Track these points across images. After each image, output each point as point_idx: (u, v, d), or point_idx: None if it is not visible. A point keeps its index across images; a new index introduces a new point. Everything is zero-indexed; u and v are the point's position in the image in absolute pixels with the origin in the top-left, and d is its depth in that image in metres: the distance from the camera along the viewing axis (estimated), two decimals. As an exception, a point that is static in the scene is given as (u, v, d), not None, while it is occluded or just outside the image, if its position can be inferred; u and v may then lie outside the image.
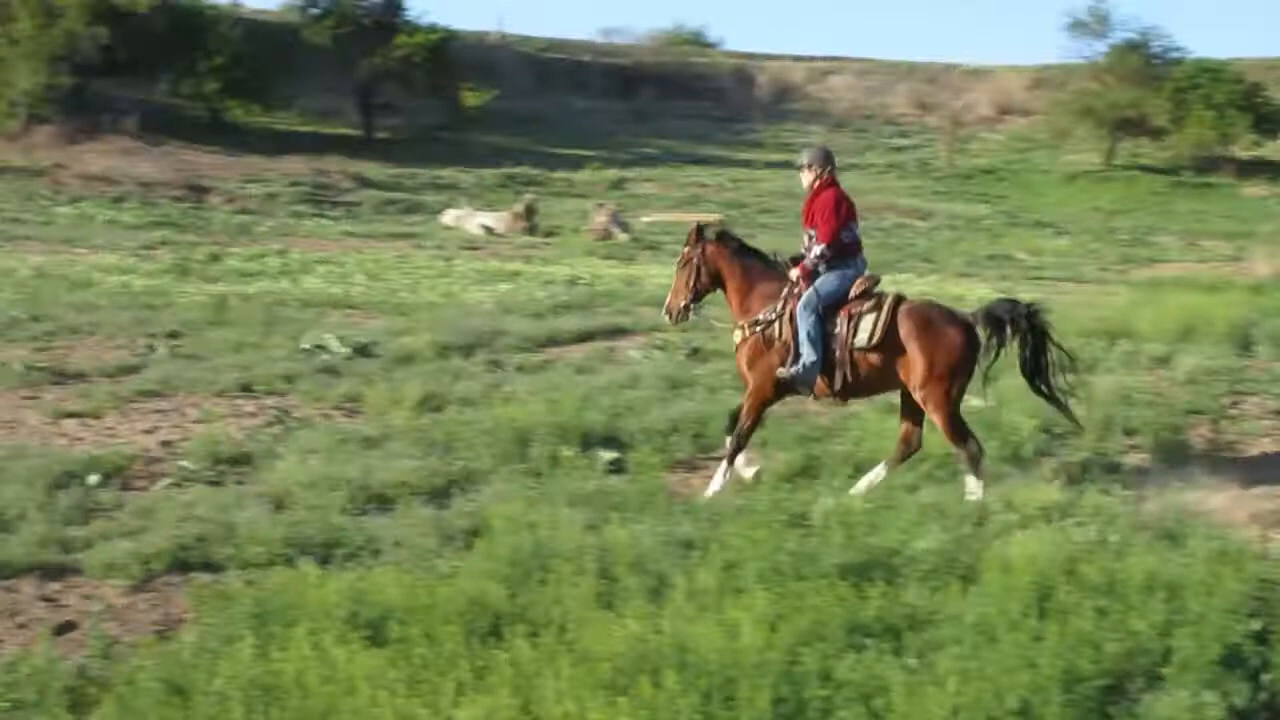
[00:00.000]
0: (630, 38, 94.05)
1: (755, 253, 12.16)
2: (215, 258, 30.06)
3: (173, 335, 18.96)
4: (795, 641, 7.33)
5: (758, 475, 11.84)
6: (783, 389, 11.80)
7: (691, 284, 12.00)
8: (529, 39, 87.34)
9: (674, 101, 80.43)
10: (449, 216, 45.10)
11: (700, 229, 12.18)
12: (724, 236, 12.22)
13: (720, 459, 12.19)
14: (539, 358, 18.23)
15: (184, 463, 12.27)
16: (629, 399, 15.00)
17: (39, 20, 57.37)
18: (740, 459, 11.91)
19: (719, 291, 12.24)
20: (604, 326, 20.92)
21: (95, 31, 58.99)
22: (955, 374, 11.43)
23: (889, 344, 11.40)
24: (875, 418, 13.66)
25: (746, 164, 66.76)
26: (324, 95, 70.10)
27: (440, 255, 34.03)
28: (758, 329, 11.74)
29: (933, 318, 11.56)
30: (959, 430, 11.48)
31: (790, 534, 9.26)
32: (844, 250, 11.76)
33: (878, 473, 11.62)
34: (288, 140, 63.42)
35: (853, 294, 11.64)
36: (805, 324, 11.49)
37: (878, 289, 11.77)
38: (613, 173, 60.73)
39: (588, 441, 13.01)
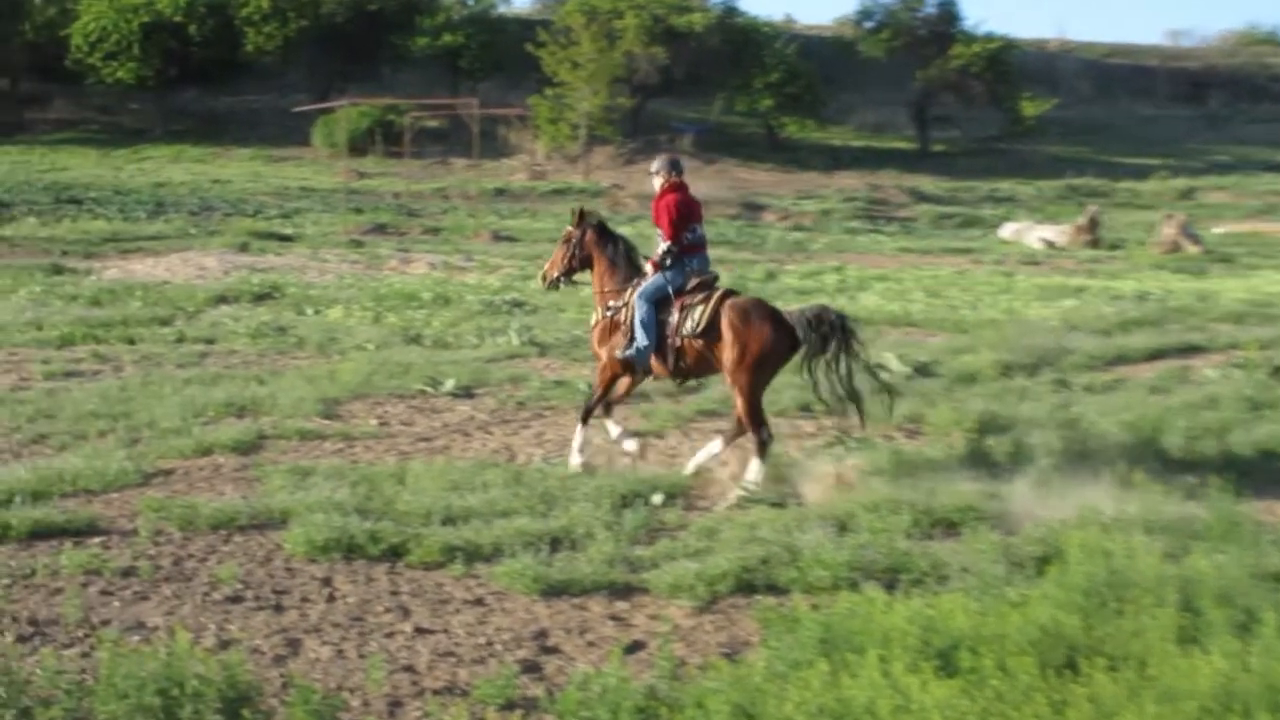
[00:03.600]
0: (1199, 40, 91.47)
1: (623, 244, 13.27)
2: (771, 275, 30.47)
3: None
4: None
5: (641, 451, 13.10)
6: (627, 366, 12.97)
7: (565, 261, 13.36)
8: (1091, 45, 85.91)
9: (1248, 105, 77.43)
10: (1007, 230, 44.51)
11: (583, 213, 13.48)
12: (600, 226, 13.39)
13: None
14: (1107, 377, 17.67)
15: (746, 483, 12.30)
16: (1207, 421, 14.33)
17: (600, 44, 59.87)
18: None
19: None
20: (1177, 344, 20.15)
21: (653, 53, 61.17)
22: (762, 364, 12.40)
23: (711, 332, 12.41)
24: None
25: (1329, 170, 63.63)
26: (878, 109, 70.57)
27: (1000, 270, 33.51)
28: (609, 314, 12.97)
29: (751, 312, 12.47)
30: (756, 417, 12.37)
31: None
32: (687, 248, 12.86)
33: (713, 448, 12.76)
34: (842, 155, 64.14)
35: (689, 287, 12.70)
36: (640, 312, 12.68)
37: (714, 283, 12.87)
38: (1181, 182, 58.89)
39: (1165, 465, 12.41)
